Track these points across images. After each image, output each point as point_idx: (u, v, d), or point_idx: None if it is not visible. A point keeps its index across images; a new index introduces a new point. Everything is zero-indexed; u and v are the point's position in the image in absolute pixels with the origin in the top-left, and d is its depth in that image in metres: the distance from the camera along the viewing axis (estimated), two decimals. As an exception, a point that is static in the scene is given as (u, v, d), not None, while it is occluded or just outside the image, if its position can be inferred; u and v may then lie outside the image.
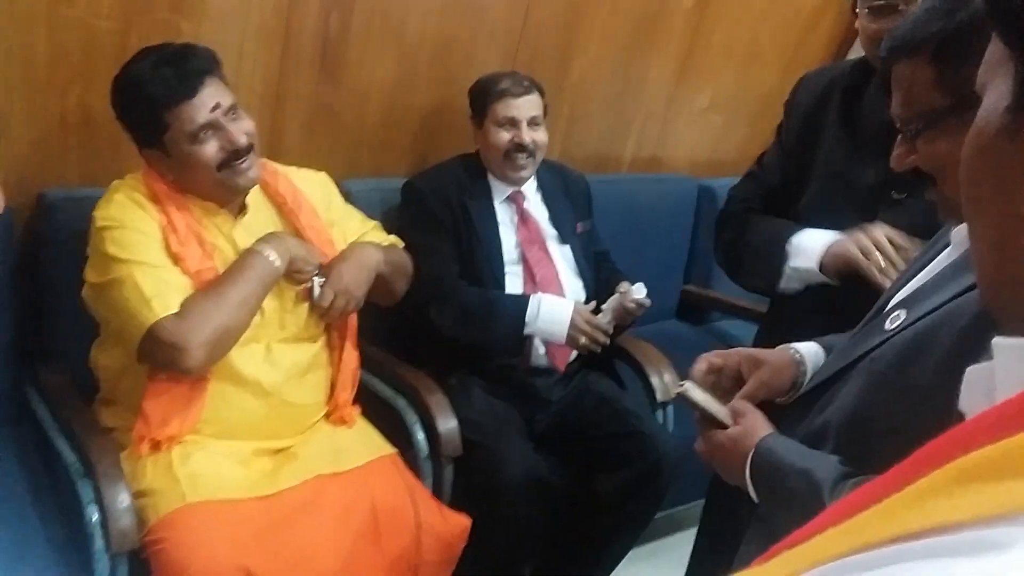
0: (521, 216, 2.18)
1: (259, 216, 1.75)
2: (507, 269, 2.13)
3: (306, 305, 1.76)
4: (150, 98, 1.57)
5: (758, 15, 2.79)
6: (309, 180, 1.87)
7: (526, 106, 2.12)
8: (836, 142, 1.58)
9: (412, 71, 2.23)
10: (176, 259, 1.57)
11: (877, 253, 1.40)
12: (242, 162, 1.62)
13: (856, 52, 2.98)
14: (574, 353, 2.15)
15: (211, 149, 1.59)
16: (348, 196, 2.17)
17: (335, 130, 2.19)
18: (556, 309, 2.05)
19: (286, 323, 1.75)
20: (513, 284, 2.13)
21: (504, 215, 2.17)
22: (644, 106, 2.75)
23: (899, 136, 0.98)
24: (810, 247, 1.53)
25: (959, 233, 0.96)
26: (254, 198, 1.74)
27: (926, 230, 1.03)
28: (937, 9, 0.92)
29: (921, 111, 0.94)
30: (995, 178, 0.49)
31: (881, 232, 1.42)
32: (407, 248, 2.00)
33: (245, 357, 1.67)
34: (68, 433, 1.70)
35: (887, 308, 1.02)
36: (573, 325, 2.03)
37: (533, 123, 2.12)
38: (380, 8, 2.09)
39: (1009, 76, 0.51)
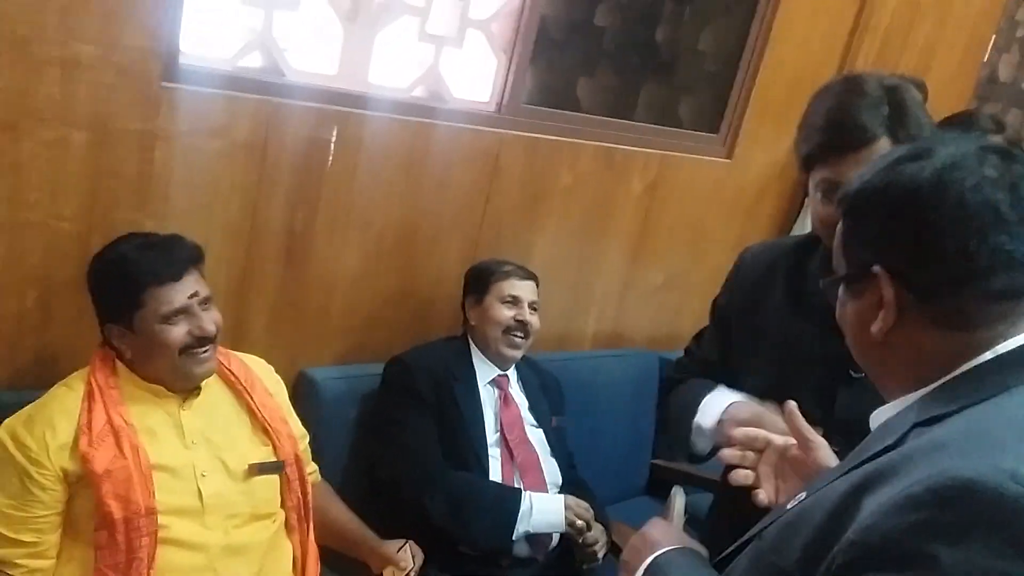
0: (504, 399, 2.20)
1: (213, 397, 1.74)
2: (489, 451, 2.13)
3: (257, 480, 1.72)
4: (134, 275, 1.62)
5: (703, 199, 2.94)
6: (257, 363, 1.90)
7: (528, 289, 2.26)
8: (784, 318, 1.53)
9: (376, 261, 2.27)
10: (83, 460, 1.54)
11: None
12: (204, 351, 1.66)
13: (799, 229, 3.15)
14: (554, 541, 2.11)
15: (179, 332, 1.63)
16: (313, 384, 2.19)
17: (299, 320, 2.20)
18: (547, 500, 2.07)
19: (237, 505, 1.69)
20: (494, 467, 2.12)
21: (487, 398, 2.18)
22: (602, 285, 2.83)
23: None
24: (716, 405, 1.48)
25: (876, 418, 0.97)
26: (209, 380, 1.74)
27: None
28: (866, 172, 0.93)
29: (836, 268, 0.97)
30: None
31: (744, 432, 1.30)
32: (390, 426, 2.02)
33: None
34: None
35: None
36: (568, 508, 2.04)
37: (532, 307, 2.23)
38: (344, 202, 2.16)
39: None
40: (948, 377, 0.86)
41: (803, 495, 0.95)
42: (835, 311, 1.00)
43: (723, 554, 1.04)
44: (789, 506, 0.95)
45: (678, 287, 3.04)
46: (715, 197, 2.97)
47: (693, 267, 3.05)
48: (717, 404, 1.49)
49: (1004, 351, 0.84)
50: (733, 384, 1.57)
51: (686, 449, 1.57)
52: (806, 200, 3.16)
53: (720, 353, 1.66)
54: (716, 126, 2.94)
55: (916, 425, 0.85)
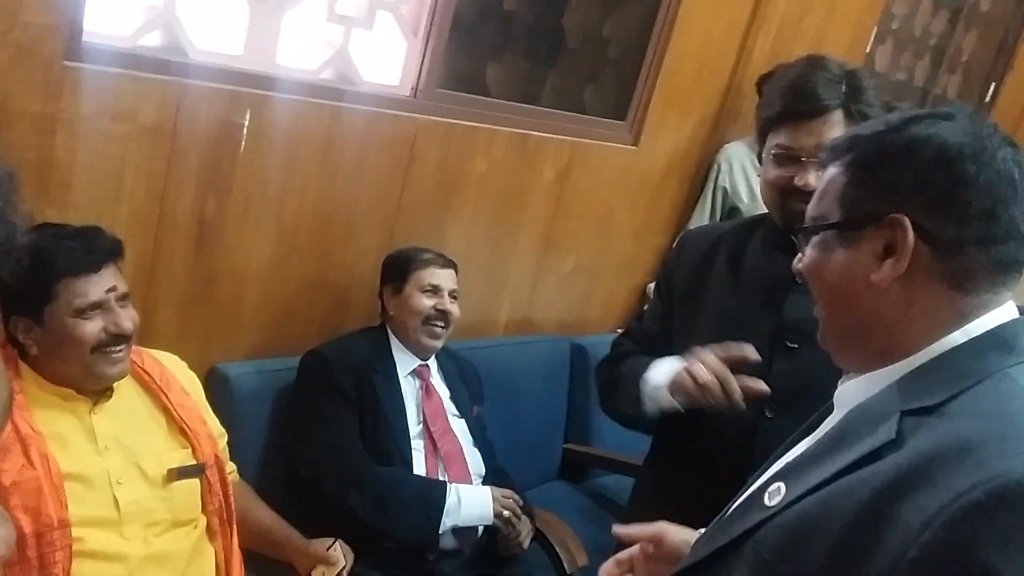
0: (426, 390, 2.16)
1: (125, 398, 1.65)
2: (412, 444, 2.09)
3: (177, 485, 1.64)
4: (48, 265, 1.50)
5: (610, 186, 2.97)
6: (171, 360, 1.81)
7: (447, 278, 2.21)
8: (725, 296, 1.61)
9: (290, 250, 2.19)
10: None
11: (707, 376, 1.40)
12: (119, 350, 1.57)
13: (697, 216, 3.23)
14: (480, 532, 2.09)
15: (93, 328, 1.54)
16: (225, 379, 2.10)
17: (210, 313, 2.10)
18: (475, 493, 2.03)
19: (157, 512, 1.60)
20: (417, 460, 2.08)
21: (408, 389, 2.14)
22: (515, 272, 2.83)
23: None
24: (664, 369, 1.53)
25: (844, 394, 0.96)
26: (121, 380, 1.64)
27: (821, 378, 1.02)
28: (879, 125, 0.94)
29: (820, 215, 0.96)
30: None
31: (710, 354, 1.43)
32: (309, 422, 1.95)
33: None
34: None
35: (765, 478, 0.98)
36: (496, 500, 2.03)
37: (452, 295, 2.19)
38: (257, 189, 2.07)
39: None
40: (924, 360, 0.87)
41: (781, 488, 0.91)
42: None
43: (687, 563, 1.01)
44: (770, 503, 0.91)
45: (587, 273, 3.07)
46: (622, 184, 3.01)
47: (601, 253, 3.08)
48: (665, 366, 1.54)
49: (977, 334, 0.86)
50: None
51: (635, 409, 1.60)
52: (704, 188, 3.25)
53: (661, 328, 1.72)
54: (622, 113, 2.97)
55: (904, 414, 0.84)
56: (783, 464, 0.98)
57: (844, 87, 1.47)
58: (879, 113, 1.45)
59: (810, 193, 1.43)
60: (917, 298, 0.87)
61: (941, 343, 0.87)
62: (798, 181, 1.49)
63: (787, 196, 1.52)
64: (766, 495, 0.93)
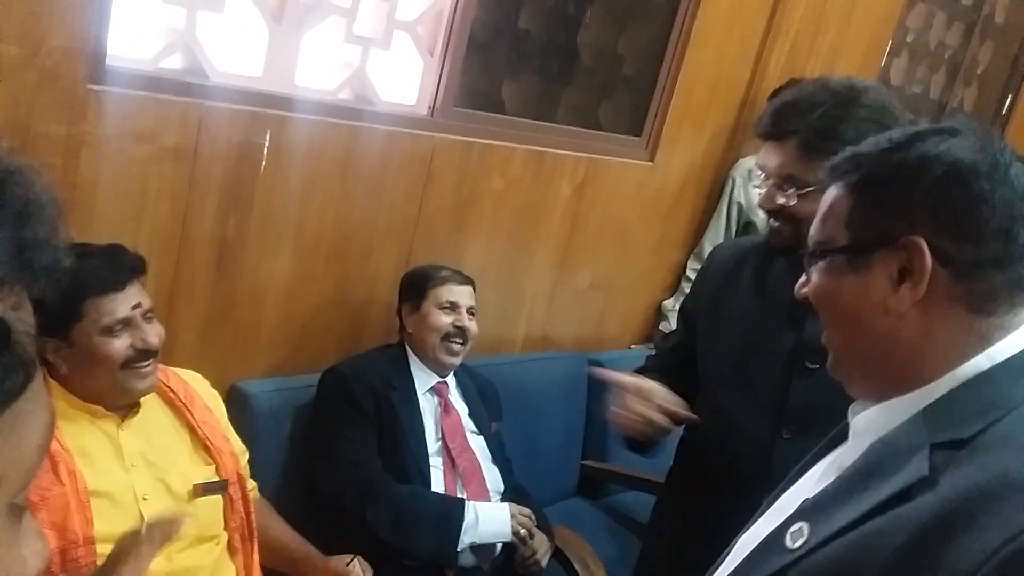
0: (444, 407, 2.16)
1: (151, 415, 1.66)
2: (431, 461, 2.09)
3: (201, 501, 1.64)
4: (74, 284, 1.48)
5: (627, 201, 2.98)
6: (194, 378, 1.82)
7: (465, 295, 2.22)
8: (748, 312, 1.60)
9: (310, 269, 2.21)
10: None
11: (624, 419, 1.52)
12: (146, 365, 1.59)
13: (713, 231, 3.23)
14: (499, 549, 2.09)
15: (121, 344, 1.55)
16: (245, 397, 2.11)
17: (231, 331, 2.12)
18: (492, 509, 2.03)
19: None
20: (436, 477, 2.08)
21: (427, 406, 2.14)
22: (532, 289, 2.83)
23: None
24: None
25: (859, 422, 0.91)
26: (147, 397, 1.66)
27: (840, 400, 0.96)
28: (883, 143, 0.89)
29: (825, 239, 0.91)
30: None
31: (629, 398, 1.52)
32: (328, 439, 1.94)
33: None
34: None
35: (785, 517, 0.91)
36: (514, 517, 2.03)
37: (470, 312, 2.19)
38: (278, 208, 2.09)
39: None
40: (949, 387, 0.83)
41: (804, 529, 0.86)
42: (800, 310, 0.97)
43: None
44: (792, 545, 0.86)
45: (604, 289, 3.08)
46: (638, 199, 3.02)
47: (618, 269, 3.09)
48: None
49: (1002, 359, 0.82)
50: (694, 374, 1.67)
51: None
52: (719, 203, 3.25)
53: (684, 347, 1.72)
54: (638, 129, 2.98)
55: (934, 447, 0.79)
56: (804, 501, 0.91)
57: (818, 115, 1.41)
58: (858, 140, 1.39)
59: (782, 213, 1.46)
60: (936, 322, 0.84)
61: (965, 369, 0.83)
62: (759, 201, 1.50)
63: (769, 215, 1.52)
64: (788, 536, 0.87)
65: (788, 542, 0.86)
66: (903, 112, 1.45)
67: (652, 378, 1.63)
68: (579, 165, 2.76)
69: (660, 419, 1.50)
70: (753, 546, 0.94)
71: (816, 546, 0.83)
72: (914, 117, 4.13)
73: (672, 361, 1.74)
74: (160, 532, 1.29)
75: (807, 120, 1.41)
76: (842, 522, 0.81)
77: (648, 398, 1.52)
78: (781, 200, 1.45)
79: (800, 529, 0.86)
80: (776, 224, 1.49)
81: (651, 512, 1.89)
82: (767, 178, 1.47)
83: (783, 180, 1.45)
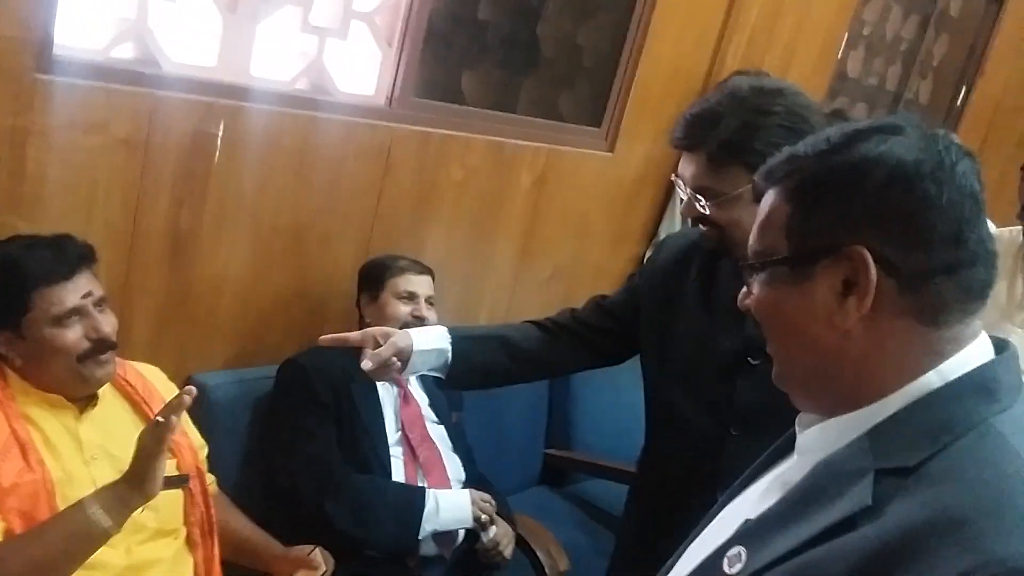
0: (404, 398, 2.16)
1: (109, 408, 1.65)
2: (391, 452, 2.09)
3: (161, 495, 1.60)
4: (20, 275, 1.50)
5: (586, 192, 2.99)
6: (151, 371, 1.81)
7: (424, 284, 2.21)
8: (695, 308, 1.58)
9: (266, 260, 2.20)
10: None
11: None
12: (105, 355, 1.57)
13: (667, 223, 3.24)
14: (460, 537, 2.10)
15: (74, 335, 1.54)
16: (202, 390, 2.09)
17: (187, 323, 2.10)
18: (453, 496, 2.03)
19: (141, 521, 1.59)
20: (396, 467, 2.08)
21: (386, 396, 2.14)
22: (493, 279, 2.84)
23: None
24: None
25: (805, 439, 0.87)
26: (105, 389, 1.65)
27: (785, 398, 0.90)
28: (821, 144, 0.82)
29: (764, 249, 0.85)
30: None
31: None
32: (286, 432, 1.92)
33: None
34: None
35: (726, 540, 0.88)
36: (474, 503, 2.03)
37: (428, 302, 2.19)
38: (232, 199, 2.07)
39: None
40: (897, 406, 0.79)
41: (742, 555, 0.83)
42: (739, 306, 0.91)
43: None
44: (729, 570, 0.83)
45: (565, 279, 3.09)
46: (598, 190, 3.03)
47: (578, 260, 3.10)
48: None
49: (953, 377, 0.78)
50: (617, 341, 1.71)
51: None
52: (673, 195, 3.27)
53: (617, 317, 1.72)
54: (597, 120, 2.99)
55: (879, 473, 0.75)
56: (745, 521, 0.88)
57: (724, 128, 1.38)
58: (769, 148, 1.25)
59: (704, 221, 1.44)
60: (885, 337, 0.78)
61: (914, 386, 0.78)
62: (680, 210, 1.51)
63: (692, 223, 1.50)
64: (725, 560, 0.84)
65: (725, 567, 0.84)
66: (818, 111, 1.42)
67: (565, 321, 1.76)
68: (538, 155, 2.77)
69: (387, 351, 1.54)
70: (693, 566, 0.92)
71: (752, 574, 0.80)
72: (870, 111, 4.19)
73: (601, 321, 1.74)
74: (169, 410, 1.40)
75: (714, 133, 1.38)
76: (781, 550, 0.78)
77: (381, 338, 1.57)
78: (700, 209, 1.44)
79: (738, 554, 0.83)
80: (704, 229, 1.48)
81: (625, 505, 1.88)
82: (685, 187, 1.46)
83: (696, 191, 1.43)
